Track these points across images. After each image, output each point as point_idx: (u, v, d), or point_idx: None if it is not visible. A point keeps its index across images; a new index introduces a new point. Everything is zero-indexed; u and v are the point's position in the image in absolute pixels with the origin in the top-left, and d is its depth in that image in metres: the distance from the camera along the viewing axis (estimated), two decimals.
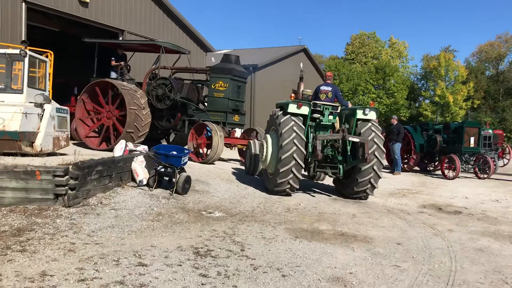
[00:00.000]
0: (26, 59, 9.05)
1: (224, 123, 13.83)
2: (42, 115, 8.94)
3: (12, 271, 4.61)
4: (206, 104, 14.56)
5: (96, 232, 6.22)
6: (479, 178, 16.08)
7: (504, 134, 31.99)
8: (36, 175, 6.86)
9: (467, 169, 16.77)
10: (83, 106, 13.68)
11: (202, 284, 4.60)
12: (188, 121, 14.01)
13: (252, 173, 12.31)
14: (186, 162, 9.18)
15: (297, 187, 9.80)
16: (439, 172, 17.01)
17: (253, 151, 12.24)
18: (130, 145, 9.71)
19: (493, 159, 16.41)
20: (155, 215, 7.38)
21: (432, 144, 17.03)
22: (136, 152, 9.33)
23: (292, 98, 10.19)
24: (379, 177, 9.99)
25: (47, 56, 10.58)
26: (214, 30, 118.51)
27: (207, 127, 13.16)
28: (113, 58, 15.13)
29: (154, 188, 8.79)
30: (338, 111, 10.45)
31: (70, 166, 7.13)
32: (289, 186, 9.64)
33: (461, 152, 16.06)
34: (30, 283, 4.33)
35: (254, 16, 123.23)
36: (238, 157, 15.72)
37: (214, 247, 5.89)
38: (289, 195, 9.86)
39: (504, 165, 20.93)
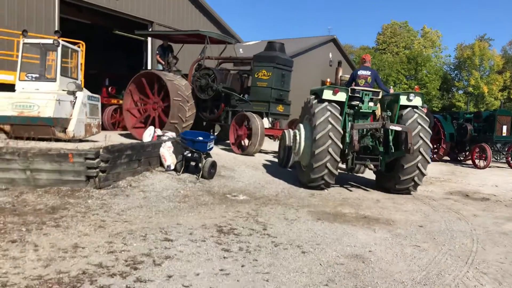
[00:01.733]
0: (59, 49, 9.42)
1: (267, 113, 13.35)
2: (75, 102, 9.32)
3: (48, 243, 4.93)
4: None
5: (125, 211, 6.51)
6: None
7: None
8: (69, 158, 7.20)
9: (499, 158, 16.41)
10: (130, 97, 13.78)
11: (224, 257, 4.79)
12: (232, 112, 13.55)
13: (285, 165, 11.61)
14: (212, 148, 9.40)
15: (333, 182, 9.16)
16: (469, 162, 16.70)
17: (287, 142, 11.53)
18: (159, 131, 10.00)
19: None
20: (182, 197, 7.64)
21: (462, 133, 16.72)
22: (164, 138, 9.61)
23: (328, 84, 9.43)
24: (424, 175, 9.23)
25: (79, 47, 10.99)
26: (241, 21, 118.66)
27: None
28: (157, 52, 15.13)
29: (181, 172, 9.06)
30: (379, 97, 9.63)
31: (101, 150, 7.43)
32: (323, 181, 9.00)
33: (492, 141, 15.73)
34: (64, 254, 4.63)
35: (283, 6, 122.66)
36: None
37: (237, 226, 6.08)
38: (323, 189, 9.25)
39: None
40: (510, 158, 15.98)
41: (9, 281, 3.91)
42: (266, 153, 14.11)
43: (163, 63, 14.62)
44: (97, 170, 7.31)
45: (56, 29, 14.26)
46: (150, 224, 5.92)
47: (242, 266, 4.58)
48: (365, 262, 4.93)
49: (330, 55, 36.29)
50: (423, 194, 9.73)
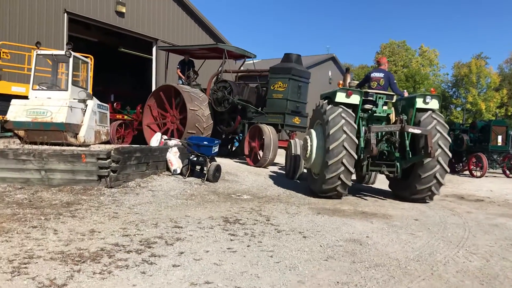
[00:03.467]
0: (71, 60, 9.89)
1: (282, 125, 13.22)
2: (85, 110, 9.76)
3: (66, 229, 5.30)
4: None
5: (136, 206, 6.88)
6: (508, 176, 16.06)
7: None
8: (81, 158, 7.61)
9: (495, 168, 16.75)
10: (154, 99, 14.14)
11: (231, 240, 5.16)
12: (248, 124, 13.55)
13: (292, 177, 11.33)
14: (216, 152, 9.79)
15: (346, 193, 8.75)
16: (467, 172, 17.02)
17: (293, 152, 11.36)
18: (165, 138, 10.41)
19: None
20: (188, 195, 8.02)
21: (459, 143, 17.05)
22: (170, 143, 10.02)
23: (340, 86, 8.89)
24: (441, 184, 8.75)
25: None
26: (242, 40, 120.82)
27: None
28: (178, 66, 15.43)
29: (187, 176, 9.44)
30: (393, 100, 9.15)
31: (112, 151, 7.85)
32: (335, 192, 8.58)
33: (488, 151, 16.10)
34: (82, 236, 5.00)
35: (282, 25, 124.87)
36: None
37: (242, 217, 6.45)
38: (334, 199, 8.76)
39: None
40: (505, 167, 16.32)
41: (35, 254, 4.28)
42: (281, 165, 13.95)
43: (183, 77, 15.00)
44: (109, 170, 7.71)
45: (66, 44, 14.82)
46: (160, 216, 6.29)
47: (248, 246, 4.94)
48: (362, 244, 5.29)
49: (330, 73, 36.99)
50: None
